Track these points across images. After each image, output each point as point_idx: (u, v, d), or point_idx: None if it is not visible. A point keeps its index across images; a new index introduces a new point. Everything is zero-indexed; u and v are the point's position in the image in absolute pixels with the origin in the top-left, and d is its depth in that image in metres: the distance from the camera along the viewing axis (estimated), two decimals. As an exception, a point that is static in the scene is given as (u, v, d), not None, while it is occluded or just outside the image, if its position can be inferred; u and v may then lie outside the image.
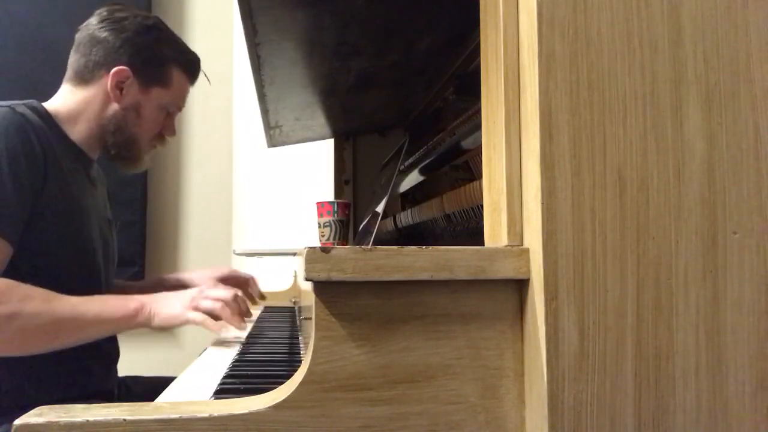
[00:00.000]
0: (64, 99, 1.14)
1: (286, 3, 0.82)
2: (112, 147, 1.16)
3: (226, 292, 1.03)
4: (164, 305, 0.99)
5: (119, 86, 1.13)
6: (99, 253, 1.14)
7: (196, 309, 0.99)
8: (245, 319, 1.04)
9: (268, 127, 1.40)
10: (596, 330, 0.50)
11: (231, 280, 1.34)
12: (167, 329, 1.00)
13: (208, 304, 0.99)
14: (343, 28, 0.94)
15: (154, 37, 1.15)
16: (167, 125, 1.22)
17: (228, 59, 2.38)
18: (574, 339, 0.49)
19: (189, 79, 1.22)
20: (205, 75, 1.27)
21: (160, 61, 1.16)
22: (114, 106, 1.14)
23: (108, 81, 1.12)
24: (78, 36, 1.16)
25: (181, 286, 1.32)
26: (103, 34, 1.13)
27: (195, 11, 2.51)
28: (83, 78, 1.14)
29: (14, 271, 0.97)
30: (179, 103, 1.22)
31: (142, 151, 1.20)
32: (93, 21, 1.15)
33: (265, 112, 1.29)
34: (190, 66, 1.22)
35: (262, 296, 1.43)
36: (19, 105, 1.04)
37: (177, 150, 2.47)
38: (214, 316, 0.99)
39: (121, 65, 1.12)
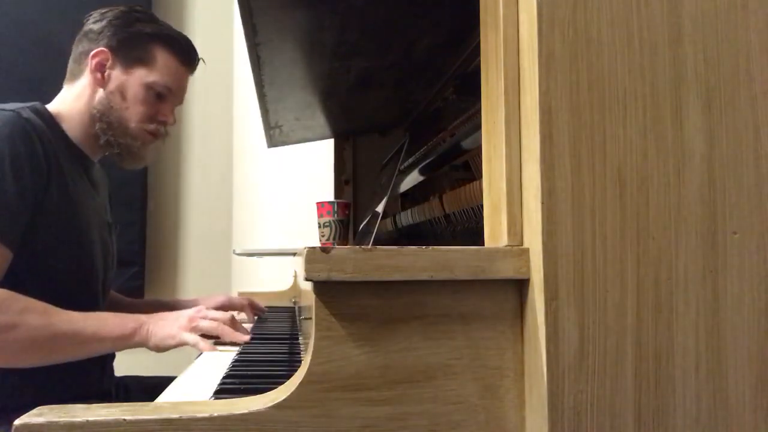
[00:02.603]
0: (63, 99, 1.15)
1: (286, 3, 0.82)
2: (102, 134, 1.14)
3: (224, 313, 1.03)
4: (161, 326, 0.99)
5: (100, 69, 1.12)
6: (98, 257, 1.14)
7: (193, 330, 0.98)
8: (244, 335, 1.03)
9: (268, 127, 1.40)
10: (596, 330, 0.50)
11: (228, 306, 1.34)
12: (163, 350, 0.99)
13: (205, 324, 0.99)
14: (343, 28, 0.94)
15: (131, 18, 1.15)
16: (163, 111, 1.18)
17: (228, 59, 2.39)
18: (574, 339, 0.49)
19: (178, 59, 1.18)
20: (202, 59, 1.25)
21: (139, 38, 1.15)
22: (100, 93, 1.13)
23: (89, 66, 1.12)
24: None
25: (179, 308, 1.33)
26: (88, 27, 1.14)
27: (195, 11, 2.51)
28: (73, 73, 1.15)
29: (13, 276, 0.97)
30: (170, 84, 1.17)
31: (136, 138, 1.16)
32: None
33: (265, 112, 1.28)
34: (177, 45, 1.18)
35: (263, 310, 1.42)
36: (25, 109, 1.04)
37: (177, 150, 2.48)
38: (212, 336, 0.99)
39: (99, 48, 1.12)
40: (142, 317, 1.00)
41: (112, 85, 1.13)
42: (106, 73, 1.13)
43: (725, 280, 0.52)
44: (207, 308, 1.07)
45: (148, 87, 1.15)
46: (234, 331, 1.00)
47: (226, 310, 1.34)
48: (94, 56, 1.11)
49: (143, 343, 0.99)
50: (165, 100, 1.18)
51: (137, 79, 1.14)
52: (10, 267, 0.97)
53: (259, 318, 1.36)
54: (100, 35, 1.13)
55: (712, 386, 0.51)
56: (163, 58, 1.16)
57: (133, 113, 1.15)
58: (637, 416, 0.50)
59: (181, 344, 0.98)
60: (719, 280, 0.52)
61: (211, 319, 1.00)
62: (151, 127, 1.18)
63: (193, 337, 0.97)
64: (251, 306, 1.37)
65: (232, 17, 2.41)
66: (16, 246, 0.97)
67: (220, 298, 1.34)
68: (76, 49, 1.15)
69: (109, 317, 1.01)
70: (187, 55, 1.20)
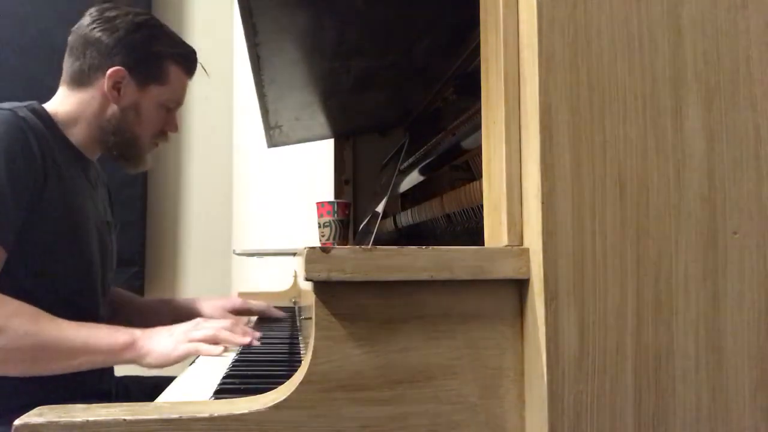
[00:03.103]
0: (62, 102, 1.14)
1: (286, 3, 0.82)
2: (114, 148, 1.16)
3: (224, 321, 1.00)
4: (157, 342, 0.95)
5: (116, 87, 1.12)
6: (96, 257, 1.13)
7: (190, 341, 0.95)
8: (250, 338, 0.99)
9: (268, 127, 1.40)
10: (596, 330, 0.50)
11: (243, 311, 1.32)
12: (160, 367, 0.96)
13: (200, 334, 0.95)
14: (343, 28, 0.94)
15: (147, 35, 1.15)
16: (169, 121, 1.21)
17: (228, 59, 2.38)
18: (574, 339, 0.49)
19: (186, 73, 1.21)
20: (203, 67, 1.26)
21: (155, 58, 1.15)
22: (113, 108, 1.13)
23: (105, 83, 1.11)
24: (70, 39, 1.15)
25: (187, 310, 1.31)
26: (96, 35, 1.12)
27: (195, 11, 2.51)
28: (80, 81, 1.14)
29: (11, 275, 0.97)
30: (178, 98, 1.21)
31: (143, 150, 1.20)
32: (84, 22, 1.14)
33: (265, 112, 1.28)
34: (187, 60, 1.20)
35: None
36: (21, 108, 1.03)
37: (177, 150, 2.47)
38: (212, 343, 0.96)
39: (116, 66, 1.11)
40: (136, 332, 0.96)
41: (126, 102, 1.14)
42: (121, 91, 1.13)
43: (725, 280, 0.52)
44: (204, 319, 1.05)
45: (161, 105, 1.18)
46: (232, 334, 0.97)
47: (243, 314, 1.33)
48: (110, 75, 1.11)
49: (136, 360, 0.95)
50: (171, 112, 1.22)
51: (152, 97, 1.16)
52: (8, 266, 0.97)
53: (258, 318, 1.36)
54: (114, 50, 1.11)
55: (712, 386, 0.51)
56: (175, 75, 1.18)
57: (147, 129, 1.18)
58: (637, 416, 0.50)
59: (182, 357, 0.95)
60: (719, 280, 0.52)
61: (208, 328, 0.97)
62: (160, 139, 1.23)
63: (193, 345, 0.94)
64: (268, 310, 1.36)
65: (232, 17, 2.41)
66: (9, 246, 0.96)
67: (236, 302, 1.33)
68: (84, 57, 1.12)
69: (102, 328, 0.97)
70: (192, 68, 1.23)
